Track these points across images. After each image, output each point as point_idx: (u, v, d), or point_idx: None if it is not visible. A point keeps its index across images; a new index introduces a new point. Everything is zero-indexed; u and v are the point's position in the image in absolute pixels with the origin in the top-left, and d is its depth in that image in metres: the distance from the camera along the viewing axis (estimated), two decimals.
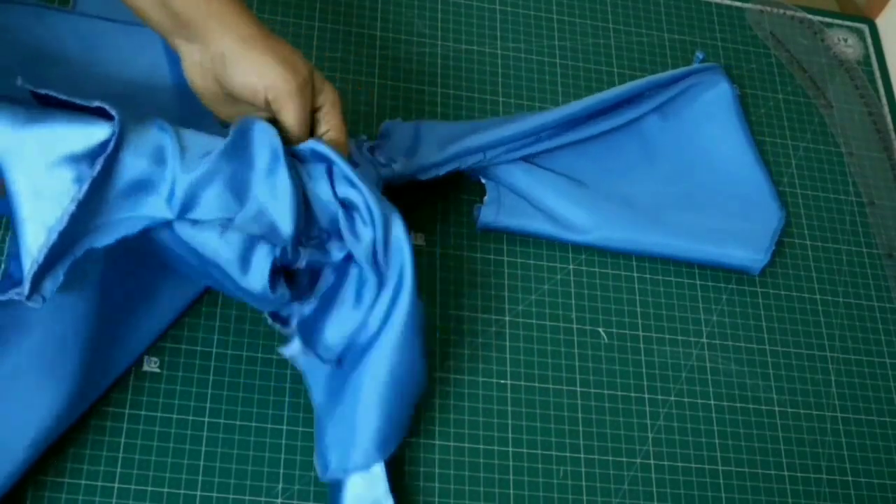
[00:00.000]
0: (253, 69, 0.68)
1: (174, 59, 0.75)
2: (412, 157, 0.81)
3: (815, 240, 0.92)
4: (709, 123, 0.93)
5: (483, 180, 0.85)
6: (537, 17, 0.98)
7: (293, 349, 0.70)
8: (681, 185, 0.90)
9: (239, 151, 0.67)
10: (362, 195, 0.68)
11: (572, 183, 0.86)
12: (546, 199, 0.84)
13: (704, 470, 0.79)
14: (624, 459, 0.78)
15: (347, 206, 0.69)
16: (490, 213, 0.84)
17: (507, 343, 0.81)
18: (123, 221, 0.65)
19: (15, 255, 0.65)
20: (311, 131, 0.72)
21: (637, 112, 0.91)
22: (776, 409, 0.83)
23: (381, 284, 0.70)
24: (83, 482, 0.70)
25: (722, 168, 0.91)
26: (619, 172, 0.89)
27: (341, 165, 0.69)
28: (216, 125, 0.74)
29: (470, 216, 0.86)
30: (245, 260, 0.66)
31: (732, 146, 0.93)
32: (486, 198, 0.84)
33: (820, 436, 0.83)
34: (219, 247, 0.66)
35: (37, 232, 0.63)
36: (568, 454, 0.77)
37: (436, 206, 0.86)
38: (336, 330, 0.71)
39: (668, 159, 0.91)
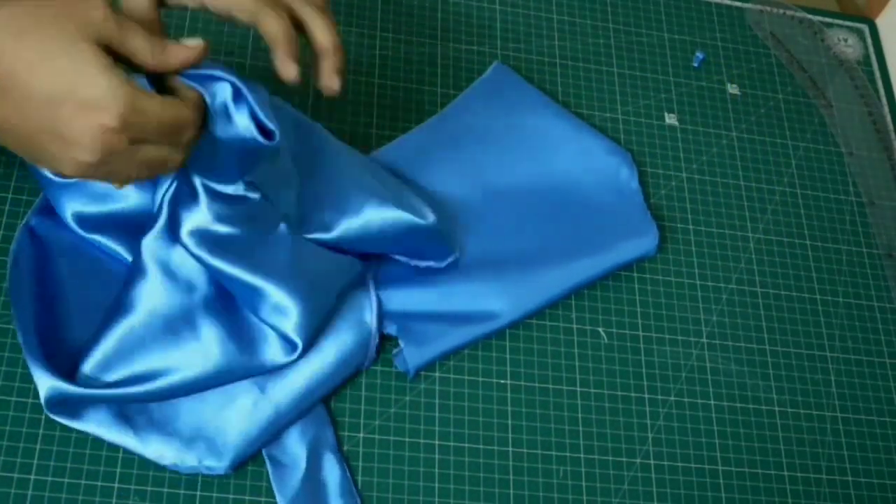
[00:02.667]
0: None
1: None
2: None
3: (815, 240, 0.91)
4: (509, 112, 0.89)
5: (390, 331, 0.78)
6: (537, 17, 0.98)
7: None
8: (534, 202, 0.85)
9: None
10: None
11: (467, 274, 0.80)
12: (454, 303, 0.79)
13: (704, 470, 0.79)
14: (624, 459, 0.78)
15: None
16: (415, 355, 0.77)
17: (507, 343, 0.81)
18: None
19: None
20: None
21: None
22: (776, 409, 0.83)
23: None
24: (83, 482, 0.70)
25: (555, 149, 0.87)
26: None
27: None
28: None
29: None
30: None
31: (546, 122, 0.89)
32: (401, 345, 0.77)
33: (820, 436, 0.83)
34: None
35: None
36: (568, 454, 0.77)
37: None
38: None
39: (506, 179, 0.86)
